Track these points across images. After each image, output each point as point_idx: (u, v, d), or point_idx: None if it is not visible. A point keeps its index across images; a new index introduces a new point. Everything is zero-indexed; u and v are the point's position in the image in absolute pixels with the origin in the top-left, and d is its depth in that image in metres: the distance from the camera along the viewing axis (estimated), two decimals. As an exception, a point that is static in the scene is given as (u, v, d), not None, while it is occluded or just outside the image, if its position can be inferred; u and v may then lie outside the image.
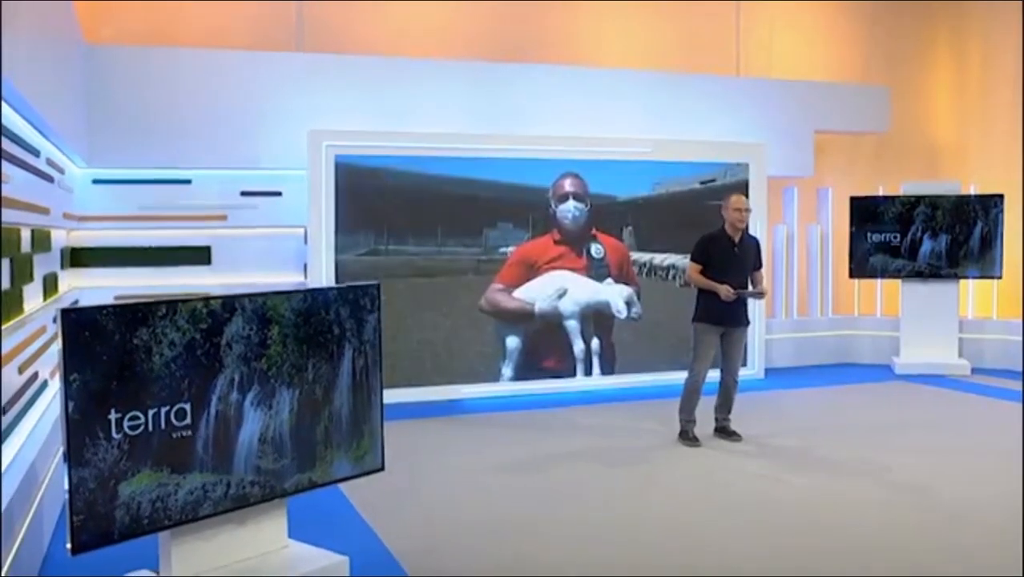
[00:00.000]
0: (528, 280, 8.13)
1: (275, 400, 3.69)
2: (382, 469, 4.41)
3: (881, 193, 9.87)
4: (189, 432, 3.38)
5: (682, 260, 8.39)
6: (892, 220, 9.48)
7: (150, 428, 3.27)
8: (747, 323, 6.33)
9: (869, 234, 9.56)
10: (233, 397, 3.53)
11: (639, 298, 8.40)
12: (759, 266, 6.39)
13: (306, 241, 7.81)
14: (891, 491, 5.20)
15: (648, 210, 8.54)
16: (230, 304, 3.53)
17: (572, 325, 8.25)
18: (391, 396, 6.95)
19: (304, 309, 3.81)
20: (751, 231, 6.73)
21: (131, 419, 3.22)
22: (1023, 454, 5.82)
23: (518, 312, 8.09)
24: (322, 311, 3.89)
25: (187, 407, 3.37)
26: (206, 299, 3.48)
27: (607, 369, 8.38)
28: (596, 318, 8.33)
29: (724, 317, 6.19)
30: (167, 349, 3.31)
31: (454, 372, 7.92)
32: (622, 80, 8.85)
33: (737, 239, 6.23)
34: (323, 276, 7.55)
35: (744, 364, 8.43)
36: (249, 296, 3.62)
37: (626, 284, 8.38)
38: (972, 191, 9.66)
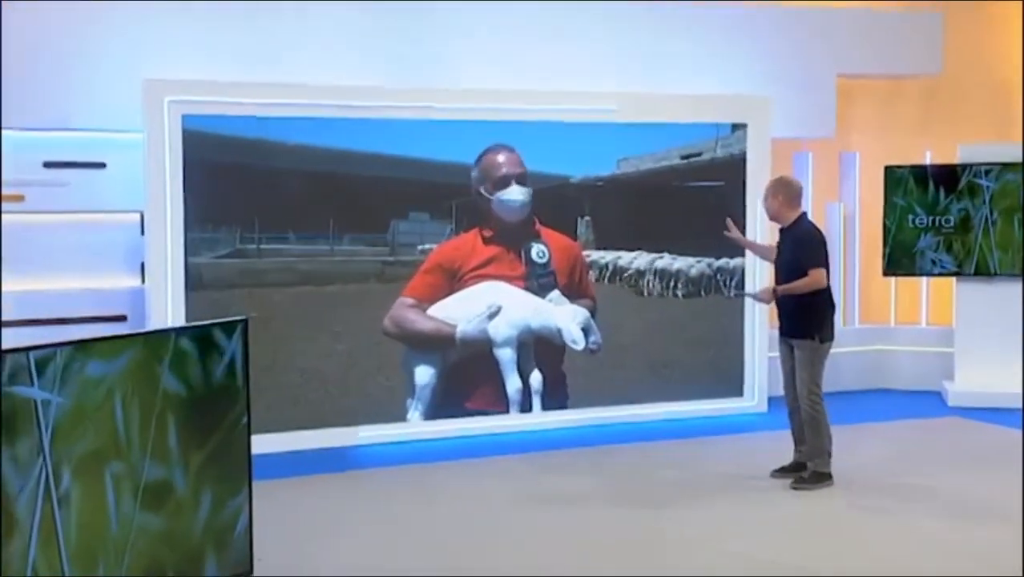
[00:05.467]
0: (449, 293, 8.16)
1: (97, 498, 3.65)
2: (250, 573, 4.40)
3: (929, 160, 10.05)
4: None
5: (660, 261, 8.48)
6: (944, 196, 9.61)
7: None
8: (798, 335, 6.72)
9: (911, 216, 9.73)
10: (38, 501, 3.45)
11: (595, 317, 8.46)
12: (806, 265, 6.62)
13: (143, 232, 7.73)
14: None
15: (611, 195, 8.58)
16: (21, 362, 3.43)
17: (506, 355, 8.28)
18: (266, 444, 6.97)
19: (136, 364, 3.76)
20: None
21: None
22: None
23: (434, 336, 8.12)
24: (164, 364, 3.84)
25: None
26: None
27: (555, 404, 8.45)
28: (538, 345, 8.38)
29: (781, 324, 6.94)
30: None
31: (350, 411, 7.96)
32: (575, 13, 8.86)
33: (786, 227, 6.86)
34: (168, 281, 7.52)
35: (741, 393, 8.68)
36: (58, 347, 3.55)
37: (579, 299, 8.43)
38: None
